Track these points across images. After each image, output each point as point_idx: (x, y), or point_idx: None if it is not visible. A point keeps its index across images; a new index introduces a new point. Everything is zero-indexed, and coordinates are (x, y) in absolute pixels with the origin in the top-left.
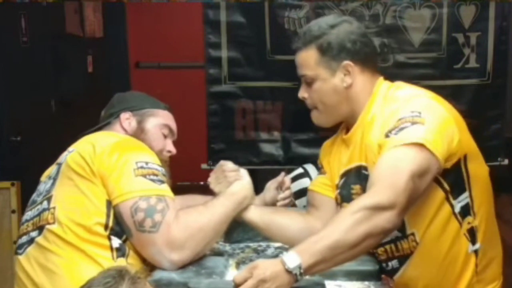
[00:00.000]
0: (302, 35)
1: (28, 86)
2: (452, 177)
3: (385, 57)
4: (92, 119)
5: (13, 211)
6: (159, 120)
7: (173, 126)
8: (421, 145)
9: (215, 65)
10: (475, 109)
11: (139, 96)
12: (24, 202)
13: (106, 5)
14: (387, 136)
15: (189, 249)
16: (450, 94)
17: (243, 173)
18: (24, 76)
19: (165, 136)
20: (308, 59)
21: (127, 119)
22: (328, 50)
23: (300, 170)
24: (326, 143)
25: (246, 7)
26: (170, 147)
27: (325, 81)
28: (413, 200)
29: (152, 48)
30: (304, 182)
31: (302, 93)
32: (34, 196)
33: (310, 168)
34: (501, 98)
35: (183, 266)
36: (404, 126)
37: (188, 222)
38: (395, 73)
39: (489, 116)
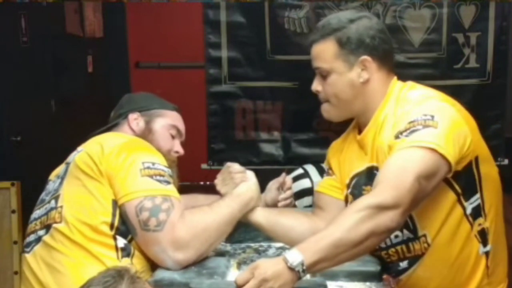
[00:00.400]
0: (320, 27)
1: (28, 86)
2: (464, 180)
3: None
4: (92, 119)
5: (13, 211)
6: (167, 121)
7: (181, 127)
8: (431, 149)
9: (215, 65)
10: (475, 109)
11: (148, 96)
12: (24, 202)
13: (106, 5)
14: (397, 137)
15: (194, 248)
16: (450, 94)
17: (250, 174)
18: (24, 76)
19: (173, 137)
20: (325, 52)
21: (135, 120)
22: (347, 44)
23: (300, 171)
24: (335, 143)
25: (246, 7)
26: (178, 147)
27: (342, 74)
28: (419, 201)
29: (152, 48)
30: (304, 183)
31: (316, 86)
32: (42, 195)
33: (310, 168)
34: (501, 98)
35: (185, 266)
36: (416, 128)
37: (193, 222)
38: (395, 73)
39: (489, 116)
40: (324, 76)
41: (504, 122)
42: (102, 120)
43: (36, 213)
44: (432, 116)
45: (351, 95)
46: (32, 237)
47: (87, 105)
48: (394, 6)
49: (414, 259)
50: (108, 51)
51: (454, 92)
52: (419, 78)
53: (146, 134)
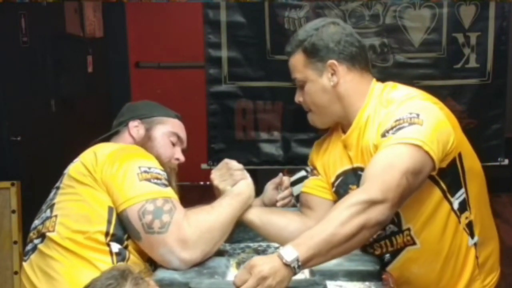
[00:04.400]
0: (291, 40)
1: (28, 86)
2: (449, 176)
3: (385, 57)
4: (92, 119)
5: (13, 211)
6: (167, 128)
7: (182, 134)
8: (417, 146)
9: (215, 65)
10: (475, 109)
11: (149, 104)
12: (24, 202)
13: (106, 5)
14: (383, 135)
15: (200, 248)
16: (450, 94)
17: (246, 172)
18: (24, 76)
19: (173, 144)
20: (296, 63)
21: (136, 127)
22: (312, 52)
23: (302, 173)
24: (318, 142)
25: (246, 7)
26: (178, 154)
27: (314, 82)
28: (406, 196)
29: (152, 48)
30: None
31: (298, 97)
32: (43, 205)
33: None
34: (501, 98)
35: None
36: (402, 126)
37: (197, 221)
38: (395, 73)
39: (489, 116)
40: (301, 86)
41: (504, 122)
42: (102, 120)
43: (35, 222)
44: (418, 114)
45: (326, 100)
46: (29, 246)
47: (87, 105)
48: (394, 6)
49: (396, 252)
50: (108, 51)
51: (454, 92)
52: (419, 78)
53: (145, 141)
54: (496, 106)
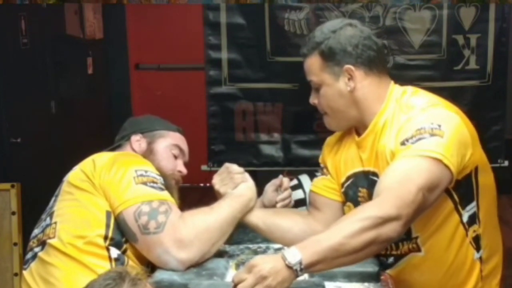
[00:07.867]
0: (307, 41)
1: (28, 87)
2: (463, 189)
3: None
4: (92, 121)
5: (13, 213)
6: (169, 141)
7: (184, 147)
8: (437, 160)
9: (215, 66)
10: (475, 111)
11: (151, 119)
12: (24, 203)
13: (106, 6)
14: (403, 144)
15: (197, 247)
16: (450, 96)
17: (247, 176)
18: (24, 78)
19: (175, 157)
20: (312, 65)
21: (138, 141)
22: (330, 55)
23: (294, 182)
24: (330, 140)
25: (246, 8)
26: (180, 167)
27: (330, 86)
28: (421, 212)
29: (152, 50)
30: (297, 194)
31: (313, 99)
32: (42, 214)
33: (304, 179)
34: (501, 100)
35: (187, 267)
36: (422, 136)
37: (194, 221)
38: (395, 74)
39: (489, 118)
40: (317, 88)
41: (504, 124)
42: (102, 121)
43: (34, 231)
44: (439, 125)
45: (343, 104)
46: (29, 255)
47: (87, 106)
48: (394, 8)
49: (399, 257)
50: (108, 52)
51: (454, 93)
52: (419, 80)
53: (147, 155)
54: (496, 108)
